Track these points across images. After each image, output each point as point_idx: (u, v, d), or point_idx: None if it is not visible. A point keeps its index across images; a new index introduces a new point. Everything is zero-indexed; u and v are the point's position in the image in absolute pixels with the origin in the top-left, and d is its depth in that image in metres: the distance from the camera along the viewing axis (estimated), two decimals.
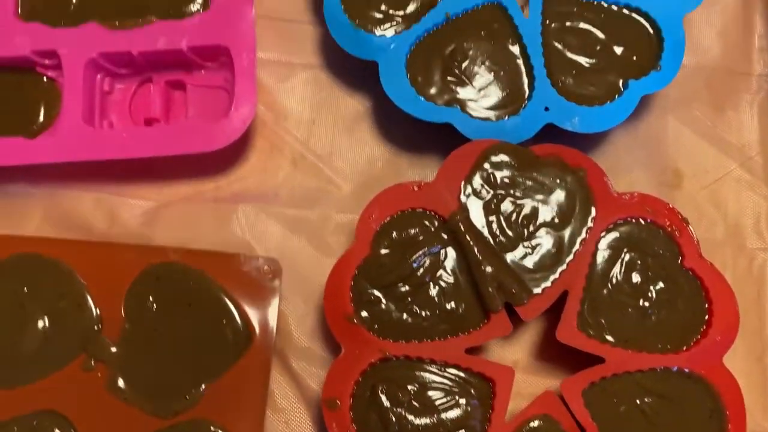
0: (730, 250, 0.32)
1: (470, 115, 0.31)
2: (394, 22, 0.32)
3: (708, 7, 0.34)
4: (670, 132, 0.34)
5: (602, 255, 0.29)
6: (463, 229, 0.29)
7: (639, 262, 0.29)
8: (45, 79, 0.32)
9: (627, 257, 0.29)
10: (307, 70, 0.34)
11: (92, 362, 0.29)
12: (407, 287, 0.29)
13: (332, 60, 0.34)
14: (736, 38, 0.35)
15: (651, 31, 0.32)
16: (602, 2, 0.32)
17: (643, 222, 0.30)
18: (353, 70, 0.34)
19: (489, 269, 0.29)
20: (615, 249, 0.29)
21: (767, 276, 0.32)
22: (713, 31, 0.35)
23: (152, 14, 0.32)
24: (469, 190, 0.30)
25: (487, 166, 0.30)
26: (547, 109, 0.31)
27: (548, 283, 0.29)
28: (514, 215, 0.29)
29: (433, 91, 0.31)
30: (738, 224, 0.33)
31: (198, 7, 0.32)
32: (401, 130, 0.33)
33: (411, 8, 0.32)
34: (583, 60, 0.31)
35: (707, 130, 0.34)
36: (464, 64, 0.31)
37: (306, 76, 0.34)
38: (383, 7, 0.32)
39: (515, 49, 0.31)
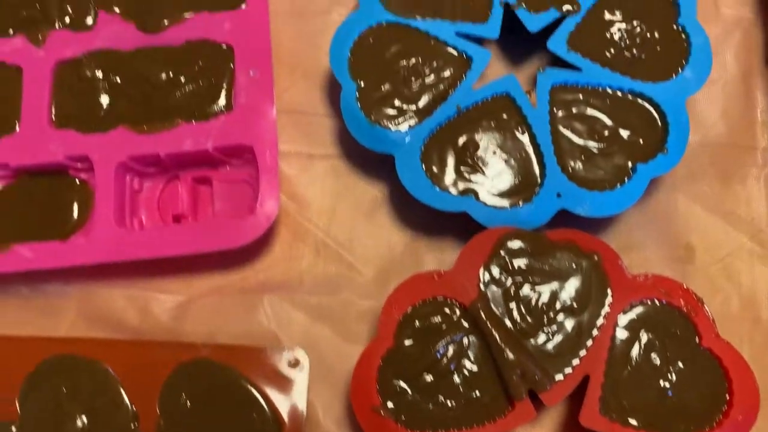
0: (746, 324, 0.33)
1: (485, 204, 0.32)
2: (408, 117, 0.33)
3: (709, 85, 0.35)
4: (679, 208, 0.35)
5: (621, 338, 0.30)
6: (484, 317, 0.30)
7: (657, 343, 0.30)
8: (77, 181, 0.34)
9: (645, 339, 0.30)
10: (326, 160, 0.36)
11: None
12: (432, 377, 0.30)
13: (350, 150, 0.36)
14: (738, 114, 0.36)
15: (656, 115, 0.33)
16: (607, 89, 0.33)
17: (658, 303, 0.30)
18: (370, 159, 0.35)
19: (511, 356, 0.29)
20: (633, 331, 0.30)
21: None
22: (716, 109, 0.36)
23: (178, 117, 0.34)
24: (487, 277, 0.31)
25: (503, 253, 0.31)
26: (559, 195, 0.32)
27: (570, 369, 0.29)
28: (533, 301, 0.30)
29: (448, 181, 0.32)
30: (752, 297, 0.33)
31: (221, 107, 0.34)
32: (418, 215, 0.34)
33: (423, 103, 0.33)
34: (591, 145, 0.33)
35: (716, 204, 0.35)
36: (477, 154, 0.33)
37: (325, 166, 0.36)
38: (397, 103, 0.33)
39: (525, 138, 0.33)
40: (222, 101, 0.34)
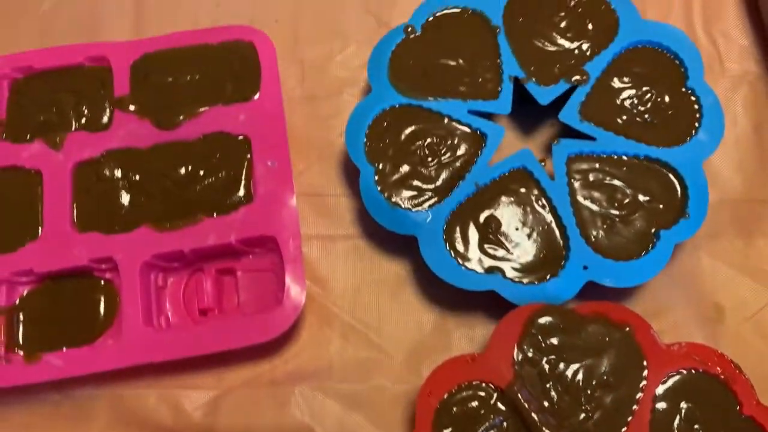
0: None
1: (512, 281, 0.32)
2: (428, 197, 0.33)
3: (723, 146, 0.35)
4: (704, 268, 0.35)
5: (661, 411, 0.30)
6: (522, 399, 0.30)
7: (698, 413, 0.30)
8: (102, 282, 0.34)
9: (685, 410, 0.30)
10: (347, 241, 0.36)
11: None
12: None
13: (370, 229, 0.36)
14: (754, 168, 0.36)
15: (674, 179, 0.33)
16: (623, 156, 0.34)
17: (695, 372, 0.30)
18: (392, 237, 0.35)
19: None
20: (672, 403, 0.30)
21: None
22: (731, 164, 0.36)
23: (200, 212, 0.34)
24: (521, 357, 0.30)
25: (535, 331, 0.31)
26: (585, 267, 0.32)
27: None
28: (569, 379, 0.30)
29: (473, 259, 0.32)
30: None
31: (242, 199, 0.34)
32: (445, 292, 0.34)
33: (442, 182, 0.33)
34: (613, 214, 0.33)
35: (740, 261, 0.35)
36: (500, 230, 0.33)
37: (346, 246, 0.36)
38: (416, 184, 0.33)
39: (546, 211, 0.33)
40: (242, 193, 0.34)
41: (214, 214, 0.34)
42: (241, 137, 0.35)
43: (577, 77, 0.35)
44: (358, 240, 0.36)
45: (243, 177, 0.34)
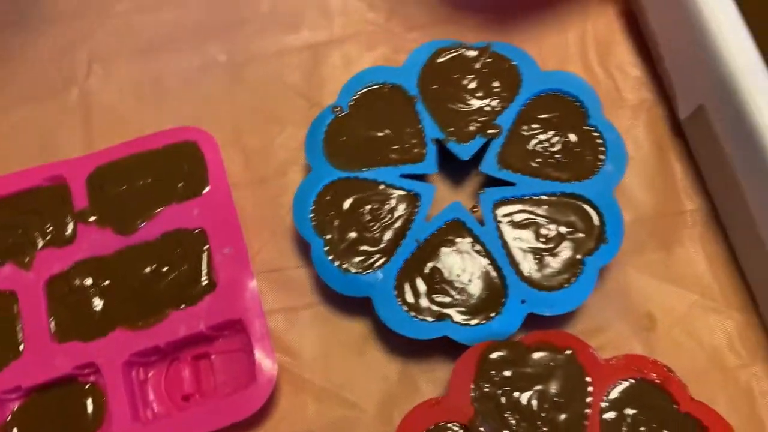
0: (716, 375, 0.36)
1: (461, 324, 0.35)
2: (375, 259, 0.36)
3: (632, 169, 0.40)
4: (633, 283, 0.38)
5: (609, 421, 0.33)
6: None
7: (641, 417, 0.33)
8: (87, 385, 0.36)
9: (630, 417, 0.33)
10: (310, 309, 0.39)
11: None
12: None
13: (329, 295, 0.39)
14: (662, 185, 0.40)
15: (590, 210, 0.37)
16: (541, 196, 0.37)
17: (633, 381, 0.33)
18: (351, 299, 0.38)
19: None
20: (618, 412, 0.33)
21: (754, 390, 0.36)
22: (643, 186, 0.40)
23: (168, 307, 0.37)
24: (478, 393, 0.33)
25: (487, 367, 0.34)
26: (523, 301, 0.35)
27: None
28: (524, 406, 0.33)
29: (423, 310, 0.35)
30: (715, 348, 0.37)
31: (205, 288, 0.37)
32: (405, 342, 0.37)
33: (386, 243, 0.37)
34: (540, 248, 0.36)
35: (663, 270, 0.38)
36: (444, 280, 0.36)
37: (310, 314, 0.39)
38: (363, 248, 0.37)
39: (482, 255, 0.36)
40: (204, 282, 0.37)
41: (182, 306, 0.36)
42: (197, 230, 0.38)
43: (491, 131, 0.38)
44: (319, 307, 0.39)
45: (203, 267, 0.37)
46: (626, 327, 0.38)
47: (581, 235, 0.37)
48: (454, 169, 0.40)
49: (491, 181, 0.38)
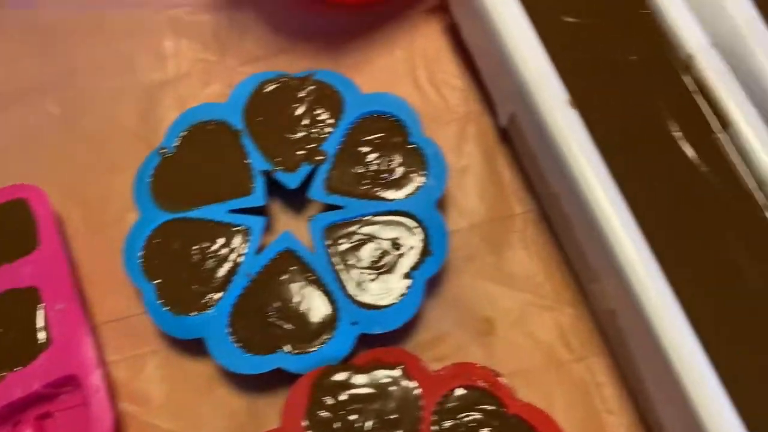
0: (553, 371, 0.37)
1: (295, 354, 0.35)
2: (208, 299, 0.37)
3: (461, 176, 0.41)
4: (469, 289, 0.39)
5: (444, 430, 0.33)
6: None
7: (474, 424, 0.34)
8: None
9: (462, 425, 0.34)
10: (155, 355, 0.38)
11: None
12: None
13: (174, 338, 0.38)
14: (492, 192, 0.41)
15: (415, 224, 0.38)
16: (369, 216, 0.38)
17: (463, 389, 0.34)
18: (192, 341, 0.38)
19: None
20: (450, 421, 0.34)
21: (588, 383, 0.37)
22: (474, 194, 0.41)
23: (3, 369, 0.36)
24: (313, 421, 0.34)
25: (321, 394, 0.34)
26: (354, 323, 0.36)
27: None
28: (363, 428, 0.33)
29: (257, 345, 0.36)
30: (550, 345, 0.38)
31: (40, 347, 0.36)
32: (253, 378, 0.36)
33: (217, 282, 0.37)
34: (370, 268, 0.37)
35: (497, 274, 0.39)
36: (277, 311, 0.36)
37: (155, 360, 0.38)
38: (195, 289, 0.37)
39: (313, 282, 0.37)
40: (39, 341, 0.37)
41: (17, 368, 0.36)
42: (30, 288, 0.38)
43: (317, 157, 0.39)
44: (164, 352, 0.38)
45: (37, 326, 0.37)
46: (466, 334, 0.39)
47: (408, 250, 0.37)
48: (291, 198, 0.41)
49: (329, 207, 0.39)
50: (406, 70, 0.45)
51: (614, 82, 0.36)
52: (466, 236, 0.40)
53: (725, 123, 0.34)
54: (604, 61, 0.36)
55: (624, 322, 0.34)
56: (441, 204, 0.40)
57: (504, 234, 0.41)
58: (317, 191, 0.39)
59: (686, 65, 0.35)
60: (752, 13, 0.35)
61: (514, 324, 0.39)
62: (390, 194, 0.38)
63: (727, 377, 0.30)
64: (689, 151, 0.34)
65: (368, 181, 0.39)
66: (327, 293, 0.36)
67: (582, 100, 0.35)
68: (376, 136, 0.40)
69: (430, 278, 0.37)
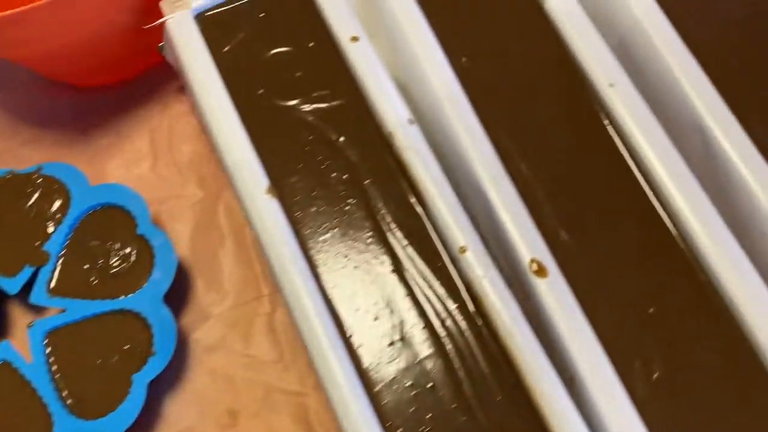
0: None
1: None
2: None
3: (209, 262, 0.40)
4: (210, 381, 0.37)
5: None
6: None
7: None
8: None
9: None
10: None
11: None
12: None
13: None
14: (244, 277, 0.40)
15: (140, 322, 0.36)
16: (93, 317, 0.36)
17: None
18: None
19: None
20: None
21: None
22: (224, 281, 0.40)
23: None
24: None
25: None
26: None
27: None
28: None
29: None
30: None
31: None
32: None
33: None
34: (92, 375, 0.35)
35: (242, 362, 0.38)
36: None
37: None
38: None
39: (30, 395, 0.35)
40: None
41: None
42: None
43: (39, 259, 0.37)
44: None
45: None
46: (208, 429, 0.37)
47: (134, 351, 0.36)
48: (19, 302, 0.39)
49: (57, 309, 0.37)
50: (151, 151, 0.43)
51: (319, 166, 0.35)
52: (215, 325, 0.39)
53: (422, 201, 0.34)
54: (312, 144, 0.36)
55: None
56: (181, 293, 0.39)
57: (253, 317, 0.39)
58: (38, 295, 0.37)
59: (387, 143, 0.35)
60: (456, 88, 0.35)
61: (258, 413, 0.37)
62: (119, 290, 0.37)
63: None
64: (391, 237, 0.33)
65: (96, 278, 0.37)
66: (41, 406, 0.34)
67: (283, 187, 0.34)
68: (105, 229, 0.38)
69: (164, 376, 0.36)
